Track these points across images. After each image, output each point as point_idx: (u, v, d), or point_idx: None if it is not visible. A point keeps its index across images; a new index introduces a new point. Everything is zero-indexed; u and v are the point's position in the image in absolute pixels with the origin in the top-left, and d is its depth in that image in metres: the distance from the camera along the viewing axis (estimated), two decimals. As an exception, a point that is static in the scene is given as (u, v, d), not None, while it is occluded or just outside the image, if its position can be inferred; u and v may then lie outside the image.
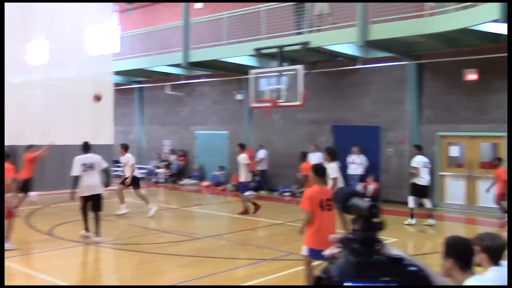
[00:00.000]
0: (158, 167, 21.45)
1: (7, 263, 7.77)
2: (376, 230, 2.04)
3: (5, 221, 8.14)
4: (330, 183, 8.96)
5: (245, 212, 12.69)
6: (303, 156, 14.77)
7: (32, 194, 14.92)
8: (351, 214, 2.15)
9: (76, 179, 9.50)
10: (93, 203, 9.57)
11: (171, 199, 17.52)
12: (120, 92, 22.41)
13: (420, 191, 11.85)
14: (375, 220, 2.04)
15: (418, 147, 12.53)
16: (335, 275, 1.99)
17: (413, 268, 2.04)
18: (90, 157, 9.87)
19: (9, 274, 7.39)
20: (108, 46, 18.25)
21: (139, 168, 22.72)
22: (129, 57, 20.32)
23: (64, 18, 16.70)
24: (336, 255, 2.08)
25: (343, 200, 2.22)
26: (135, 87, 23.32)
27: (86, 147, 10.08)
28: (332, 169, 9.36)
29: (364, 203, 2.07)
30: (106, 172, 10.05)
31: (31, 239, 9.66)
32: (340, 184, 9.72)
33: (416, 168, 11.75)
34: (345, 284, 1.94)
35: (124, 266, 8.12)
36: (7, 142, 14.99)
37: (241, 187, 12.98)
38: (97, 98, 12.85)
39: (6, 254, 8.08)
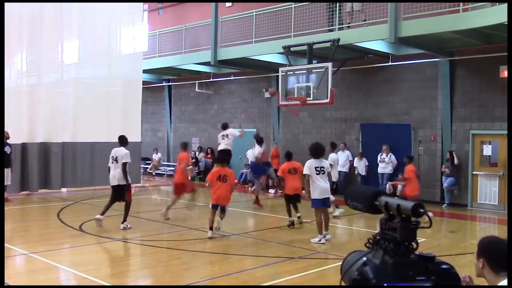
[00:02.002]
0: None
1: (38, 256, 7.92)
2: (415, 230, 2.01)
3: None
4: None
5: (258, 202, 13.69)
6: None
7: (63, 190, 15.25)
8: (377, 213, 2.09)
9: (109, 170, 10.45)
10: (112, 193, 10.38)
11: (198, 196, 17.56)
12: (150, 90, 22.66)
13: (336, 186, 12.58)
14: (415, 219, 2.01)
15: (333, 145, 13.50)
16: (372, 277, 1.96)
17: (445, 266, 2.04)
18: (117, 151, 10.51)
19: (39, 267, 7.52)
20: (138, 44, 18.45)
21: (167, 166, 23.01)
22: (158, 55, 20.50)
23: (96, 18, 16.96)
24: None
25: (369, 199, 2.16)
26: (164, 85, 23.52)
27: (120, 141, 10.71)
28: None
29: (407, 202, 2.04)
30: (123, 168, 10.19)
31: (62, 234, 9.83)
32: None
33: (331, 165, 12.13)
34: (385, 285, 1.92)
35: (152, 262, 8.17)
36: (41, 139, 15.37)
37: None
38: (272, 93, 14.86)
39: (37, 248, 8.25)
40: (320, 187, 9.07)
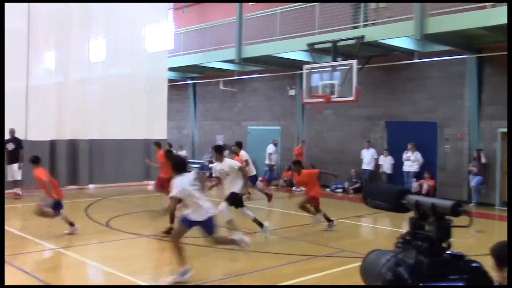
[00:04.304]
0: (211, 162, 21.70)
1: (65, 251, 8.07)
2: (451, 228, 1.99)
3: None
4: None
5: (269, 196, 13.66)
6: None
7: (91, 186, 15.50)
8: (403, 212, 2.08)
9: None
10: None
11: (223, 193, 17.63)
12: (175, 88, 22.82)
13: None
14: (450, 218, 2.00)
15: (239, 144, 13.87)
16: (408, 277, 1.95)
17: (476, 264, 2.04)
18: None
19: (68, 263, 7.68)
20: (163, 43, 18.63)
21: (192, 163, 23.15)
22: (183, 53, 20.64)
23: (122, 16, 17.19)
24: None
25: (395, 197, 2.14)
26: (189, 83, 23.68)
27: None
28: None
29: (444, 201, 2.02)
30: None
31: (89, 230, 9.99)
32: None
33: (246, 160, 13.07)
34: (420, 285, 1.91)
35: (173, 260, 8.24)
36: (69, 136, 15.65)
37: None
38: None
39: (65, 243, 8.41)
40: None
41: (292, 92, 19.28)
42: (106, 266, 7.29)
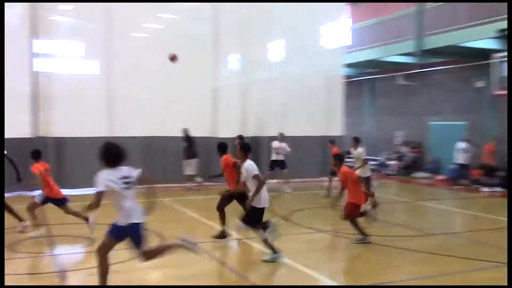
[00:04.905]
0: (390, 159, 21.10)
1: (252, 242, 8.52)
2: None
3: None
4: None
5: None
6: None
7: (273, 181, 16.14)
8: None
9: None
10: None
11: (402, 192, 17.06)
12: (352, 84, 22.68)
13: None
14: None
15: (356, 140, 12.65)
16: None
17: None
18: None
19: (251, 252, 8.10)
20: (339, 39, 18.68)
21: (370, 160, 22.72)
22: (360, 48, 20.40)
23: (299, 17, 17.64)
24: None
25: None
26: (366, 79, 23.30)
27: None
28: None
29: None
30: None
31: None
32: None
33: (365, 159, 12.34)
34: None
35: (354, 257, 8.18)
36: (251, 133, 16.58)
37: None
38: (173, 58, 11.47)
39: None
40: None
41: (479, 84, 17.72)
42: (288, 259, 7.52)
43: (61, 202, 8.86)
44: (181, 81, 14.99)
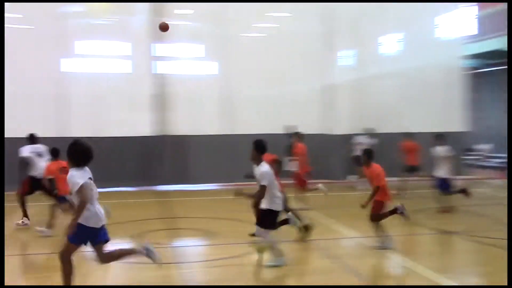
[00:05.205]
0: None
1: (366, 239, 8.24)
2: None
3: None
4: None
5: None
6: None
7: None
8: None
9: None
10: None
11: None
12: (477, 76, 21.23)
13: None
14: None
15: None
16: None
17: None
18: None
19: (368, 252, 7.87)
20: (458, 29, 17.70)
21: (496, 158, 21.02)
22: (487, 37, 19.03)
23: (413, 10, 17.06)
24: None
25: None
26: (492, 70, 21.63)
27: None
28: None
29: None
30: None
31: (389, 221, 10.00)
32: None
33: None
34: None
35: (480, 260, 7.69)
36: (364, 130, 16.13)
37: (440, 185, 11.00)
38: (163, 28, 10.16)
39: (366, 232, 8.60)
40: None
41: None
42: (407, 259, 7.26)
43: (63, 199, 8.16)
44: (296, 78, 15.14)
